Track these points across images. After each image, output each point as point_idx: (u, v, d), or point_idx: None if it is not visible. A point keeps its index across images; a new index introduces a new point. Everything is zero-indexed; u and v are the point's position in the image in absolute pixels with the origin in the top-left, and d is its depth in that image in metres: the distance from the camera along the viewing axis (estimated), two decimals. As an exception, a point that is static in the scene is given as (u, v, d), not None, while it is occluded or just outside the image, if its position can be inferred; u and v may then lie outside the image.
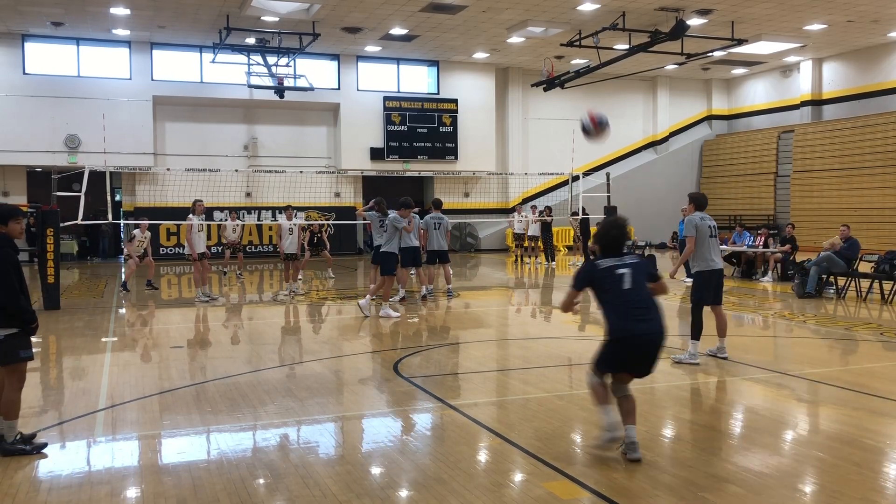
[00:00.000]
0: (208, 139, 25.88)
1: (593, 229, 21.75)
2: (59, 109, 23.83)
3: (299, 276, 16.50)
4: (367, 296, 12.62)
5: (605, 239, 5.52)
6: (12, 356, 5.56)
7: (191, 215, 14.29)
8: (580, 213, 21.47)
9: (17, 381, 5.65)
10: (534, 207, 24.00)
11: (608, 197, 18.11)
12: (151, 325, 12.30)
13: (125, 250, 18.59)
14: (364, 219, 15.67)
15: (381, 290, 12.40)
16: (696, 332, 8.41)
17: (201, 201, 14.53)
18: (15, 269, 5.54)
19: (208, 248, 15.02)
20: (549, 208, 23.18)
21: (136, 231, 16.69)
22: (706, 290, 8.45)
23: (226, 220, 20.04)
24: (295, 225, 15.36)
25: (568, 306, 5.57)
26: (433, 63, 28.15)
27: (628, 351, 5.33)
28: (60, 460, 5.53)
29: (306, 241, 18.64)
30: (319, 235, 19.00)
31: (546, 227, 22.49)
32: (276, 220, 26.61)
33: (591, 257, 20.99)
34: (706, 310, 8.56)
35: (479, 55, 26.99)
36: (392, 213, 12.63)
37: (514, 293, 15.91)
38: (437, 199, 14.60)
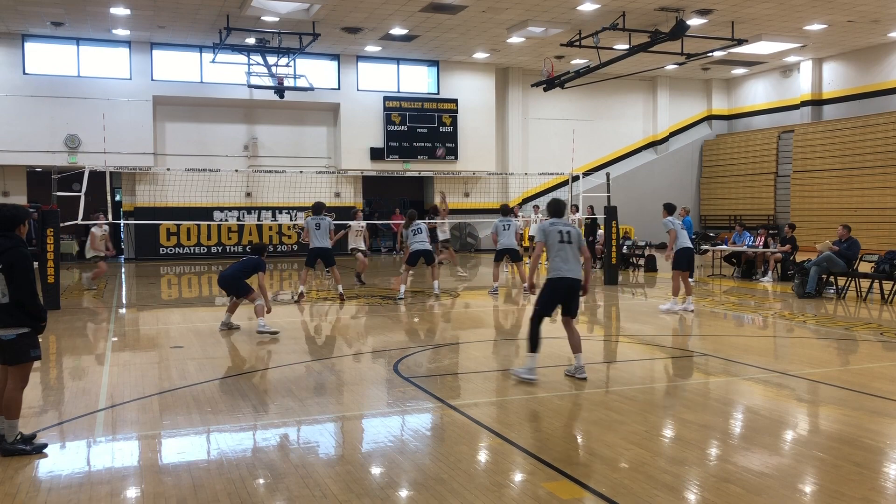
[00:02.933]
0: (208, 139, 25.88)
1: (600, 228, 21.78)
2: (59, 109, 23.82)
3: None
4: (673, 297, 12.92)
5: None
6: (24, 355, 5.59)
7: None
8: (579, 211, 21.48)
9: (22, 381, 5.67)
10: (536, 207, 23.98)
11: (608, 197, 18.08)
12: (151, 325, 12.30)
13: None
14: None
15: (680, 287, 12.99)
16: (532, 345, 7.58)
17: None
18: (32, 269, 5.64)
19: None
20: None
21: (353, 223, 16.73)
22: (550, 300, 7.65)
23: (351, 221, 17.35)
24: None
25: None
26: (433, 63, 28.14)
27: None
28: (60, 460, 5.53)
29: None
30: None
31: None
32: (275, 220, 26.70)
33: (598, 257, 20.83)
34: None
35: (479, 55, 26.98)
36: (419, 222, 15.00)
37: (514, 293, 15.90)
38: (505, 206, 16.78)
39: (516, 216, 23.76)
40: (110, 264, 24.84)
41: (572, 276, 7.57)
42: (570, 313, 7.79)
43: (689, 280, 13.27)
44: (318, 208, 14.31)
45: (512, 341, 10.69)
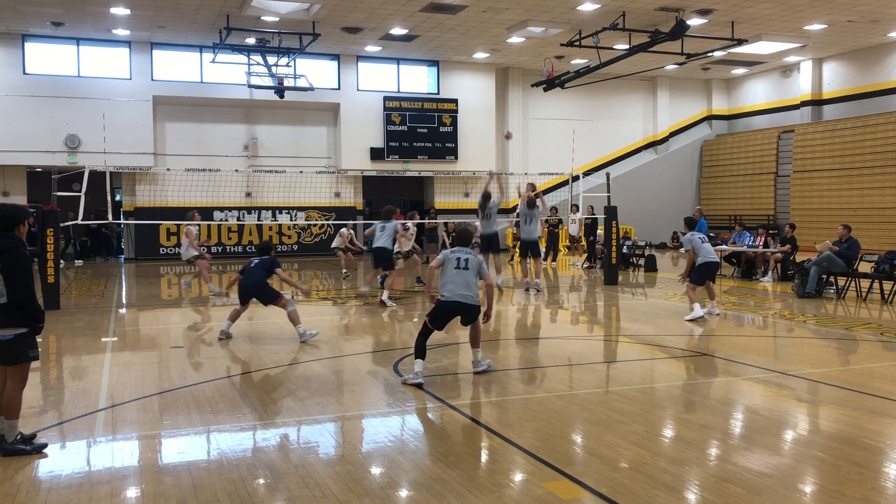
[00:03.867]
0: (208, 139, 25.89)
1: (600, 228, 21.82)
2: (59, 109, 23.82)
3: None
4: (711, 301, 12.39)
5: None
6: (22, 356, 5.60)
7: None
8: (579, 210, 21.51)
9: (21, 381, 5.67)
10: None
11: (608, 197, 18.09)
12: (151, 325, 12.30)
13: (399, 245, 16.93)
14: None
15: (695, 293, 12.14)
16: (416, 352, 7.81)
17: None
18: (31, 269, 5.64)
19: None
20: (555, 209, 23.16)
21: (409, 223, 16.70)
22: (437, 317, 7.82)
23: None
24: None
25: None
26: (433, 63, 28.15)
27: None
28: (60, 460, 5.53)
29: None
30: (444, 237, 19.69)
31: (551, 228, 22.49)
32: (276, 220, 26.69)
33: (598, 257, 20.75)
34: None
35: (479, 55, 26.98)
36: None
37: (514, 293, 15.90)
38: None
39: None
40: (111, 264, 24.89)
41: (460, 300, 7.77)
42: (467, 324, 8.03)
43: (698, 288, 12.17)
44: (387, 214, 14.23)
45: (512, 341, 10.70)
